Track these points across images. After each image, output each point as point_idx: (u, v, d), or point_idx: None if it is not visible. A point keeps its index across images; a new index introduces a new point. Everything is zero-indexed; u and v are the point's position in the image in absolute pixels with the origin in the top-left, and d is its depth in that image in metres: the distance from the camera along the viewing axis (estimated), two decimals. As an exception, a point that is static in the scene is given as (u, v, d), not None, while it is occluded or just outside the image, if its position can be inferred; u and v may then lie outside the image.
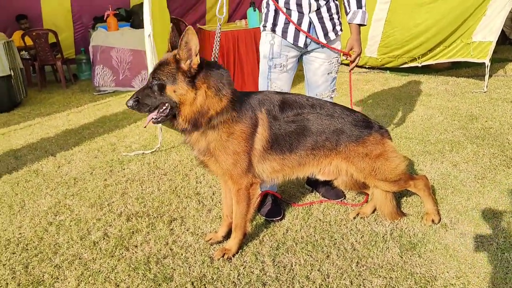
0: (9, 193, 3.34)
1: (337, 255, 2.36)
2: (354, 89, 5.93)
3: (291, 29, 2.66)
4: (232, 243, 2.41)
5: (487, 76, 5.59)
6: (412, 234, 2.52)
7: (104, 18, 7.34)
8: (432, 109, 4.95)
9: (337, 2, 2.74)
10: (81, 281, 2.24)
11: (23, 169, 3.81)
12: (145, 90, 2.15)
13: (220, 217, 2.80)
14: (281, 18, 2.67)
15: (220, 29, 2.45)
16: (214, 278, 2.21)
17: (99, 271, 2.32)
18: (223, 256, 2.36)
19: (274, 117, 2.31)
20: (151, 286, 2.17)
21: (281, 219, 2.76)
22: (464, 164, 3.42)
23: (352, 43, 2.76)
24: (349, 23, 2.76)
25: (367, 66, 7.35)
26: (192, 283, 2.18)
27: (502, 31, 7.16)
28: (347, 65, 2.96)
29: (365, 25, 2.76)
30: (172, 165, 3.77)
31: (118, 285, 2.20)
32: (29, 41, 7.18)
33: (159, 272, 2.27)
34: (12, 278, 2.29)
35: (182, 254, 2.43)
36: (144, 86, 2.17)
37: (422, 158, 3.58)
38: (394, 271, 2.21)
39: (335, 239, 2.52)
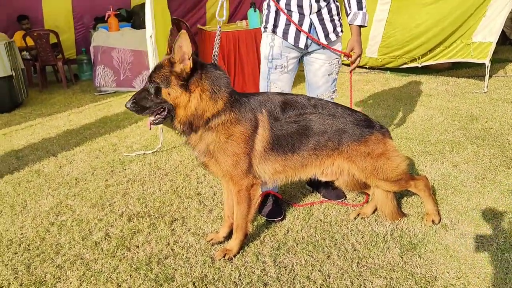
0: (11, 194, 3.35)
1: (338, 256, 2.37)
2: (354, 90, 5.94)
3: (292, 30, 2.67)
4: (233, 244, 2.42)
5: (487, 77, 5.60)
6: (412, 234, 2.53)
7: (105, 19, 7.35)
8: (432, 110, 4.96)
9: (337, 4, 2.75)
10: (83, 281, 2.25)
11: (25, 169, 3.82)
12: (143, 92, 2.20)
13: (221, 218, 2.81)
14: (282, 19, 2.68)
15: (220, 31, 2.46)
16: (215, 278, 2.22)
17: (101, 271, 2.33)
18: (224, 257, 2.37)
19: (275, 118, 2.32)
20: (152, 286, 2.18)
21: (282, 220, 2.77)
22: (464, 164, 3.43)
23: (352, 44, 2.77)
24: (349, 24, 2.77)
25: (367, 67, 7.36)
26: (194, 283, 2.19)
27: (502, 32, 7.16)
28: (348, 65, 2.97)
29: (366, 26, 2.77)
30: (173, 165, 3.78)
31: (120, 285, 2.21)
32: (30, 42, 7.19)
33: (160, 272, 2.29)
34: (14, 278, 2.30)
35: (183, 255, 2.44)
36: (142, 89, 2.22)
37: (422, 159, 3.59)
38: (394, 272, 2.22)
39: (336, 240, 2.53)
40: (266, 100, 2.35)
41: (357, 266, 2.28)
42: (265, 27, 2.76)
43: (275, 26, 2.70)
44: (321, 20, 2.68)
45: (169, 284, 2.20)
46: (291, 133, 2.35)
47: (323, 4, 2.65)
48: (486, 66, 5.64)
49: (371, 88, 6.21)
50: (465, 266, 2.23)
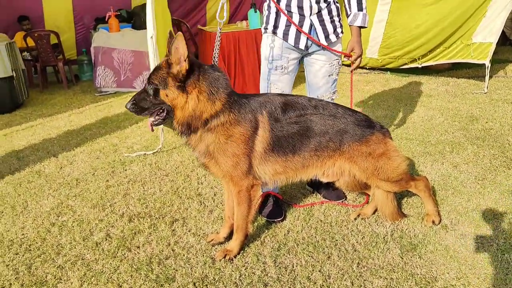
0: (11, 194, 3.36)
1: (338, 256, 2.38)
2: (354, 90, 5.93)
3: (292, 31, 2.67)
4: (233, 244, 2.42)
5: (487, 77, 5.61)
6: (412, 235, 2.54)
7: (106, 19, 7.36)
8: (432, 110, 4.96)
9: (338, 5, 2.76)
10: (84, 281, 2.26)
11: (26, 170, 3.83)
12: (142, 93, 2.22)
13: (222, 218, 2.81)
14: (282, 20, 2.68)
15: (220, 33, 2.47)
16: (216, 279, 2.23)
17: (102, 271, 2.33)
18: (224, 257, 2.37)
19: (276, 119, 2.32)
20: (153, 287, 2.19)
21: (282, 220, 2.77)
22: (464, 165, 3.43)
23: (352, 45, 2.78)
24: (349, 25, 2.77)
25: (367, 67, 7.37)
26: (194, 284, 2.19)
27: (503, 32, 7.16)
28: (348, 66, 2.97)
29: (366, 27, 2.78)
30: (174, 166, 3.78)
31: (120, 286, 2.21)
32: (31, 42, 7.20)
33: (161, 273, 2.29)
34: (15, 278, 2.31)
35: (184, 255, 2.45)
36: (141, 90, 2.24)
37: (422, 159, 3.60)
38: (394, 272, 2.22)
39: (336, 240, 2.53)
40: (266, 101, 2.35)
41: (358, 266, 2.28)
42: (266, 28, 2.76)
43: (275, 27, 2.70)
44: (322, 21, 2.69)
45: (169, 284, 2.20)
46: (292, 134, 2.35)
47: (323, 5, 2.66)
48: (486, 66, 5.65)
49: (371, 89, 6.22)
50: (465, 267, 2.24)
